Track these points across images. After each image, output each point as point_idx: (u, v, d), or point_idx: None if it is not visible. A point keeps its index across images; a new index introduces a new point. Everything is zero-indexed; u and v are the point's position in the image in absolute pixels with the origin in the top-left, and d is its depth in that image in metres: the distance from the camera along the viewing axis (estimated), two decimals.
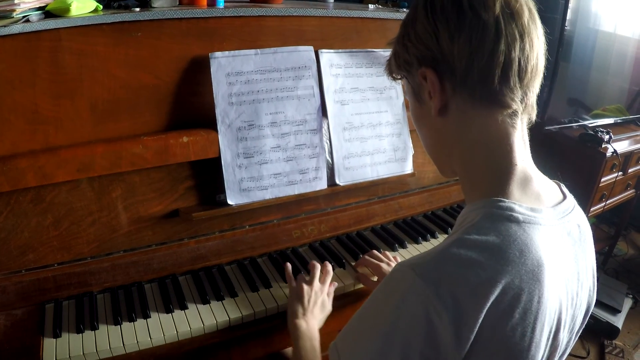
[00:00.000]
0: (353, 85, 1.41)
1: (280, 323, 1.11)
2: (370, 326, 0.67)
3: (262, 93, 1.28)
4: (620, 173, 2.44)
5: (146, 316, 1.08)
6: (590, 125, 2.45)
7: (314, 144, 1.35)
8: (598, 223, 3.21)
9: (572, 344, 0.79)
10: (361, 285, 1.26)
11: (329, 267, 1.19)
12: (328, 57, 1.37)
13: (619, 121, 2.61)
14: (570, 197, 0.77)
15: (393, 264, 1.26)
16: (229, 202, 1.25)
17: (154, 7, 1.24)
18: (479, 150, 0.71)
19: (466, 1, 0.66)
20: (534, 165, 0.74)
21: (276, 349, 1.20)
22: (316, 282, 1.13)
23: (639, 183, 2.74)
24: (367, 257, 1.28)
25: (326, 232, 1.42)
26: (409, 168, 1.52)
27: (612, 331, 2.40)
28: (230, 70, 1.24)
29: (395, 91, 1.47)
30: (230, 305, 1.14)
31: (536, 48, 0.67)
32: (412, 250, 1.41)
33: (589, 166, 2.32)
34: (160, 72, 1.20)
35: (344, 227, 1.45)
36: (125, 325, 1.05)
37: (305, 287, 1.11)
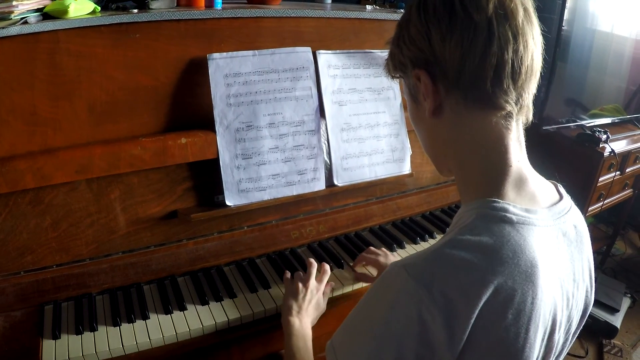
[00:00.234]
0: (351, 86, 1.41)
1: (278, 323, 1.11)
2: (365, 326, 0.68)
3: (260, 94, 1.28)
4: (617, 173, 2.44)
5: (145, 317, 1.08)
6: (587, 125, 2.45)
7: (312, 144, 1.35)
8: (596, 222, 3.21)
9: (569, 344, 0.78)
10: (360, 286, 1.26)
11: (327, 266, 1.19)
12: (326, 58, 1.37)
13: (616, 121, 2.62)
14: (567, 198, 0.77)
15: (390, 256, 1.27)
16: (228, 203, 1.25)
17: (152, 9, 1.24)
18: (474, 151, 0.71)
19: (458, 2, 0.65)
20: (530, 165, 0.74)
21: (275, 349, 1.21)
22: (312, 281, 1.13)
23: (637, 182, 2.75)
24: (363, 254, 1.29)
25: (324, 233, 1.42)
26: (406, 168, 1.53)
27: (611, 330, 2.40)
28: (228, 71, 1.24)
29: (393, 92, 1.48)
30: (229, 306, 1.14)
31: (531, 49, 0.66)
32: (410, 251, 1.41)
33: (587, 166, 2.33)
34: (159, 73, 1.20)
35: (342, 227, 1.45)
36: (125, 326, 1.06)
37: (301, 285, 1.11)
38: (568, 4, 2.16)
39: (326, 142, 1.38)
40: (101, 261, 1.17)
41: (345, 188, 1.42)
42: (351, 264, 1.31)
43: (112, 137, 1.17)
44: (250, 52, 1.27)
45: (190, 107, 1.25)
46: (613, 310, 2.47)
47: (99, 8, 1.21)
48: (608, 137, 2.32)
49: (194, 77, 1.24)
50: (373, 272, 1.27)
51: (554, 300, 0.68)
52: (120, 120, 1.18)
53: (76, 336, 1.02)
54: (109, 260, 1.18)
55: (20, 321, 1.05)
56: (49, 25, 1.05)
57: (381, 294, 0.68)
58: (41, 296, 1.09)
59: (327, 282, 1.18)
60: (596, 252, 3.00)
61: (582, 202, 2.37)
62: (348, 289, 1.25)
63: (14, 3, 1.04)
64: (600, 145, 2.29)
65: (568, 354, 2.25)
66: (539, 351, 0.67)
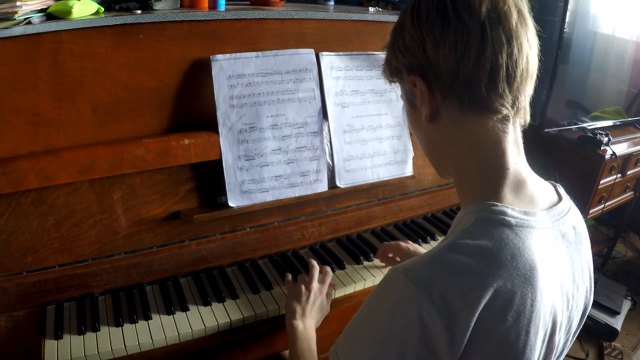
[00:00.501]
0: (353, 87, 1.41)
1: (281, 324, 1.11)
2: (366, 331, 0.68)
3: (263, 95, 1.28)
4: (619, 175, 2.44)
5: (147, 318, 1.08)
6: (589, 127, 2.45)
7: (315, 146, 1.35)
8: (597, 225, 3.21)
9: (569, 345, 0.79)
10: (361, 287, 1.26)
11: (328, 268, 1.19)
12: (329, 59, 1.38)
13: (617, 123, 2.62)
14: (566, 199, 0.77)
15: (410, 243, 1.29)
16: (230, 204, 1.26)
17: (155, 10, 1.25)
18: (472, 155, 0.71)
19: (451, 8, 0.65)
20: (528, 167, 0.74)
21: (277, 350, 1.21)
22: (315, 283, 1.13)
23: (638, 185, 2.75)
24: (385, 243, 1.31)
25: (327, 234, 1.42)
26: (409, 170, 1.53)
27: (611, 333, 2.40)
28: (231, 72, 1.24)
29: (396, 94, 1.48)
30: (231, 306, 1.14)
31: (525, 51, 0.66)
32: None
33: (588, 168, 2.33)
34: (162, 74, 1.20)
35: (344, 229, 1.45)
36: (127, 326, 1.06)
37: (304, 287, 1.11)
38: (570, 6, 2.16)
39: (329, 144, 1.38)
40: (104, 261, 1.17)
41: (348, 190, 1.43)
42: (354, 265, 1.32)
43: (115, 138, 1.17)
44: (253, 54, 1.27)
45: (193, 108, 1.25)
46: (614, 313, 2.47)
47: (103, 9, 1.21)
48: (609, 139, 2.32)
49: (197, 78, 1.24)
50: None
51: (554, 301, 0.68)
52: (123, 121, 1.18)
53: (78, 336, 1.02)
54: (112, 260, 1.18)
55: (23, 321, 1.05)
56: (53, 26, 1.05)
57: (382, 299, 0.68)
58: (43, 296, 1.09)
59: (330, 283, 1.18)
60: (597, 255, 3.00)
61: (583, 205, 2.37)
62: (350, 290, 1.25)
63: (18, 3, 1.04)
64: (602, 148, 2.29)
65: (569, 356, 2.26)
66: (540, 352, 0.68)
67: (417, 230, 1.51)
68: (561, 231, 0.72)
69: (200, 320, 1.09)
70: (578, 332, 0.81)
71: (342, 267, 1.31)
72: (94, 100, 1.13)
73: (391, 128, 1.48)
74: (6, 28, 1.00)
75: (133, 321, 1.07)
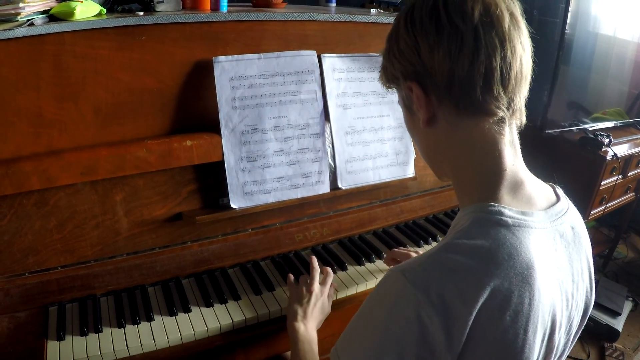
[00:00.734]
0: (355, 89, 1.41)
1: (283, 326, 1.11)
2: (365, 331, 0.69)
3: (265, 97, 1.28)
4: (620, 176, 2.44)
5: (150, 319, 1.08)
6: (590, 128, 2.45)
7: (317, 147, 1.35)
8: (598, 226, 3.21)
9: (570, 345, 0.79)
10: (363, 288, 1.26)
11: (329, 269, 1.20)
12: (331, 61, 1.38)
13: (618, 124, 2.62)
14: (564, 199, 0.78)
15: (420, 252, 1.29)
16: (232, 205, 1.26)
17: (158, 11, 1.25)
18: (469, 157, 0.72)
19: (444, 13, 0.66)
20: (526, 169, 0.75)
21: (279, 351, 1.21)
22: (316, 285, 1.13)
23: (639, 186, 2.75)
24: (394, 250, 1.31)
25: (328, 236, 1.42)
26: (410, 172, 1.53)
27: (612, 334, 2.40)
28: (233, 74, 1.24)
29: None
30: (233, 308, 1.14)
31: (519, 53, 0.66)
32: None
33: (589, 169, 2.33)
34: (164, 76, 1.20)
35: (346, 230, 1.46)
36: (129, 328, 1.06)
37: (305, 289, 1.11)
38: (571, 8, 2.16)
39: (331, 145, 1.39)
40: (106, 263, 1.17)
41: (349, 191, 1.43)
42: (355, 267, 1.32)
43: (117, 139, 1.17)
44: (255, 55, 1.27)
45: (196, 110, 1.26)
46: (615, 314, 2.47)
47: (105, 10, 1.21)
48: (610, 140, 2.33)
49: (200, 79, 1.24)
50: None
51: (553, 301, 0.69)
52: (126, 122, 1.18)
53: (81, 337, 1.02)
54: (114, 261, 1.18)
55: (25, 322, 1.05)
56: (55, 27, 1.06)
57: (381, 299, 0.69)
58: (46, 297, 1.09)
59: (331, 284, 1.18)
60: (598, 256, 2.99)
61: (584, 206, 2.37)
62: (352, 291, 1.25)
63: (21, 5, 1.04)
64: (603, 149, 2.30)
65: (570, 357, 2.26)
66: (539, 352, 0.68)
67: (418, 232, 1.51)
68: (559, 231, 0.73)
69: (202, 321, 1.09)
70: (579, 332, 0.81)
71: (343, 269, 1.31)
72: (96, 102, 1.14)
73: (393, 129, 1.48)
74: (9, 29, 1.00)
75: (135, 322, 1.07)
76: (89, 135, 1.14)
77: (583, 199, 2.36)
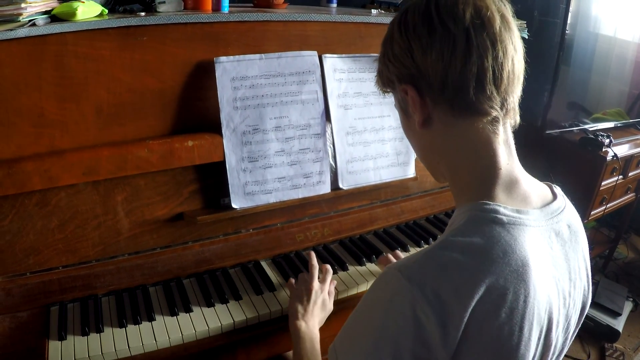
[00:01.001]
0: (356, 89, 1.42)
1: (284, 326, 1.11)
2: (363, 328, 0.70)
3: (267, 97, 1.29)
4: (620, 177, 2.45)
5: (151, 319, 1.08)
6: (590, 129, 2.46)
7: (318, 148, 1.36)
8: (598, 226, 3.21)
9: (568, 343, 0.80)
10: (364, 288, 1.26)
11: (328, 266, 1.20)
12: (332, 62, 1.38)
13: (619, 125, 2.62)
14: (561, 198, 0.78)
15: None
16: (234, 205, 1.26)
17: (159, 12, 1.25)
18: (464, 157, 0.73)
19: (436, 17, 0.67)
20: (521, 167, 0.76)
21: (280, 350, 1.21)
22: (315, 282, 1.14)
23: (639, 187, 2.75)
24: (388, 255, 1.31)
25: (329, 236, 1.43)
26: (411, 172, 1.53)
27: (613, 334, 2.40)
28: (235, 74, 1.25)
29: None
30: (234, 308, 1.14)
31: (510, 54, 0.68)
32: None
33: (590, 170, 2.33)
34: (166, 76, 1.20)
35: (347, 230, 1.46)
36: (131, 327, 1.06)
37: (305, 287, 1.12)
38: (571, 8, 2.16)
39: (332, 146, 1.39)
40: (107, 263, 1.17)
41: (350, 191, 1.43)
42: (356, 267, 1.32)
43: (119, 140, 1.17)
44: (257, 56, 1.27)
45: (197, 110, 1.26)
46: (615, 314, 2.47)
47: (107, 11, 1.21)
48: (611, 141, 2.33)
49: (201, 80, 1.24)
50: None
51: (549, 298, 0.69)
52: (127, 122, 1.18)
53: (82, 337, 1.02)
54: (115, 261, 1.18)
55: (26, 322, 1.05)
56: (57, 28, 1.06)
57: (377, 296, 0.70)
58: (47, 297, 1.10)
59: (331, 280, 1.18)
60: (598, 256, 3.00)
61: (584, 206, 2.37)
62: (353, 291, 1.25)
63: (23, 5, 1.04)
64: (603, 150, 2.30)
65: (571, 357, 2.26)
66: (536, 349, 0.69)
67: (419, 232, 1.51)
68: (555, 229, 0.74)
69: (203, 321, 1.09)
70: (577, 331, 0.82)
71: (344, 269, 1.31)
72: (98, 102, 1.14)
73: (393, 130, 1.48)
74: (11, 30, 1.00)
75: (137, 322, 1.07)
76: (90, 135, 1.14)
77: (583, 199, 2.36)
